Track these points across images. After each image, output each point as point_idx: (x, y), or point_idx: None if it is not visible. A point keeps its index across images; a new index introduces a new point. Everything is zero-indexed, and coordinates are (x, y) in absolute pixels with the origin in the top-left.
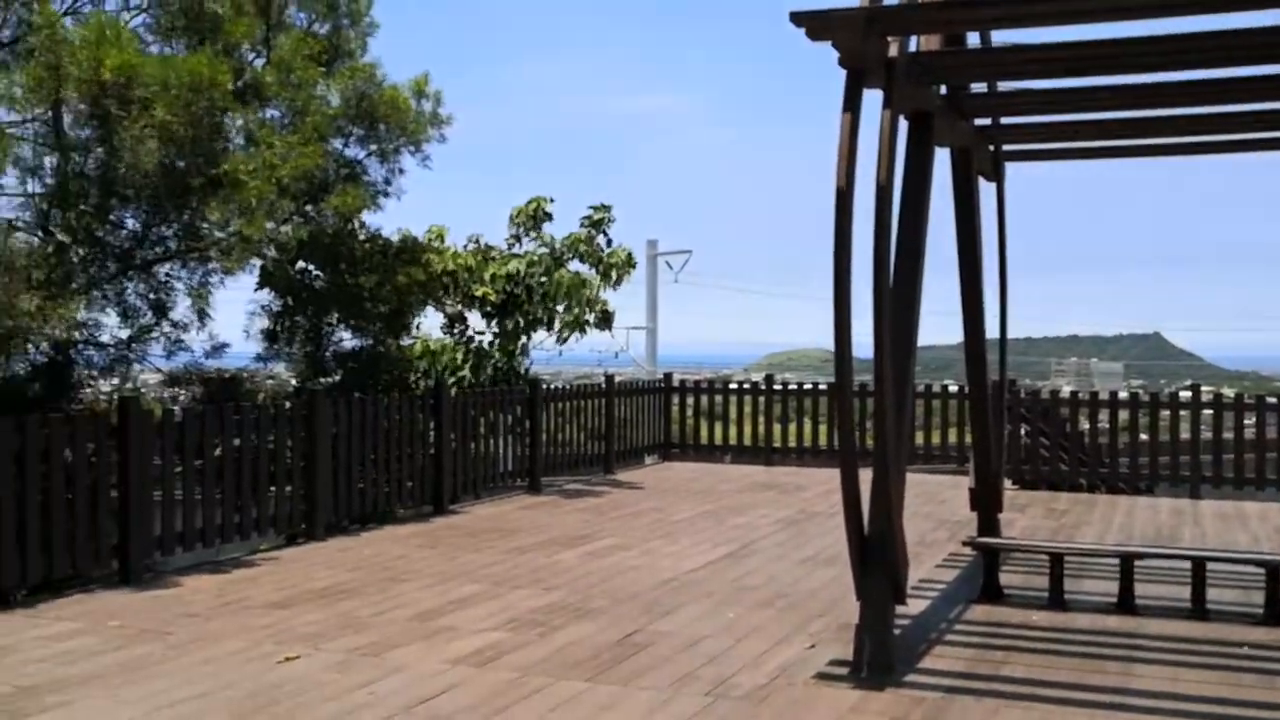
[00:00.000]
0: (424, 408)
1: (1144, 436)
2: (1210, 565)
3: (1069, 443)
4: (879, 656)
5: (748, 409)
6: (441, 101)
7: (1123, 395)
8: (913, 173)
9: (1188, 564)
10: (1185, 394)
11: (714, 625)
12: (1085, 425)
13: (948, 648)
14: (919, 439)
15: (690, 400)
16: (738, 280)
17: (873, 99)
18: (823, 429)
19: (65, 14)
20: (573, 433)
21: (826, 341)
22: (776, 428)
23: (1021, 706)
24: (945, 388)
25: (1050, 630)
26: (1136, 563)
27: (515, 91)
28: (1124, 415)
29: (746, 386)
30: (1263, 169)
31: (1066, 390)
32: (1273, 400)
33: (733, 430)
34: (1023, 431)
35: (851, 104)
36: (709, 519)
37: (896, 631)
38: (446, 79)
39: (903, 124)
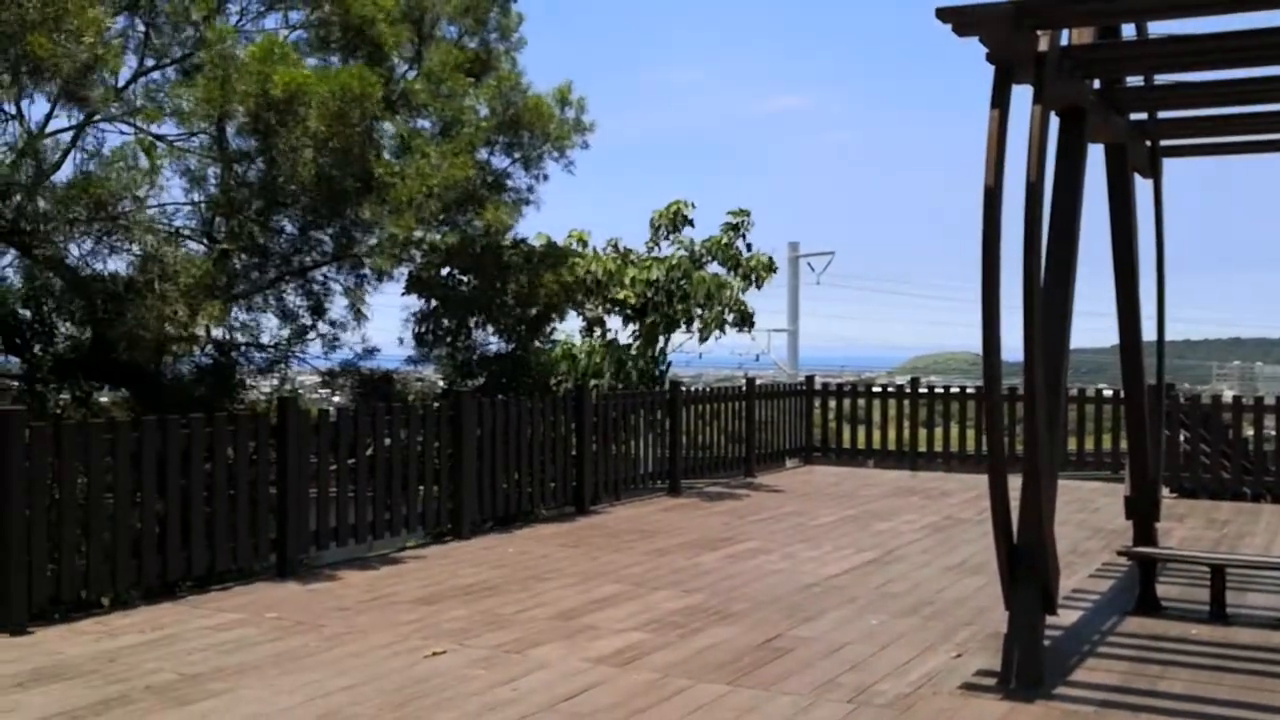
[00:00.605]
0: (565, 409)
1: None
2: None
3: (1231, 449)
4: (1028, 667)
5: (891, 413)
6: (585, 108)
7: (1266, 400)
8: (1065, 170)
9: None
10: None
11: (857, 632)
12: (1249, 431)
13: (1101, 660)
14: (1071, 444)
15: (832, 403)
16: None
17: (1022, 95)
18: (969, 434)
19: (234, 30)
20: (713, 435)
21: (974, 344)
22: (921, 432)
23: None
24: (1099, 392)
25: (1211, 645)
26: None
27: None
28: None
29: (890, 390)
30: None
31: (1229, 395)
32: None
33: (876, 434)
34: (1181, 438)
35: (1000, 100)
36: (851, 524)
37: (1047, 642)
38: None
39: (1054, 121)
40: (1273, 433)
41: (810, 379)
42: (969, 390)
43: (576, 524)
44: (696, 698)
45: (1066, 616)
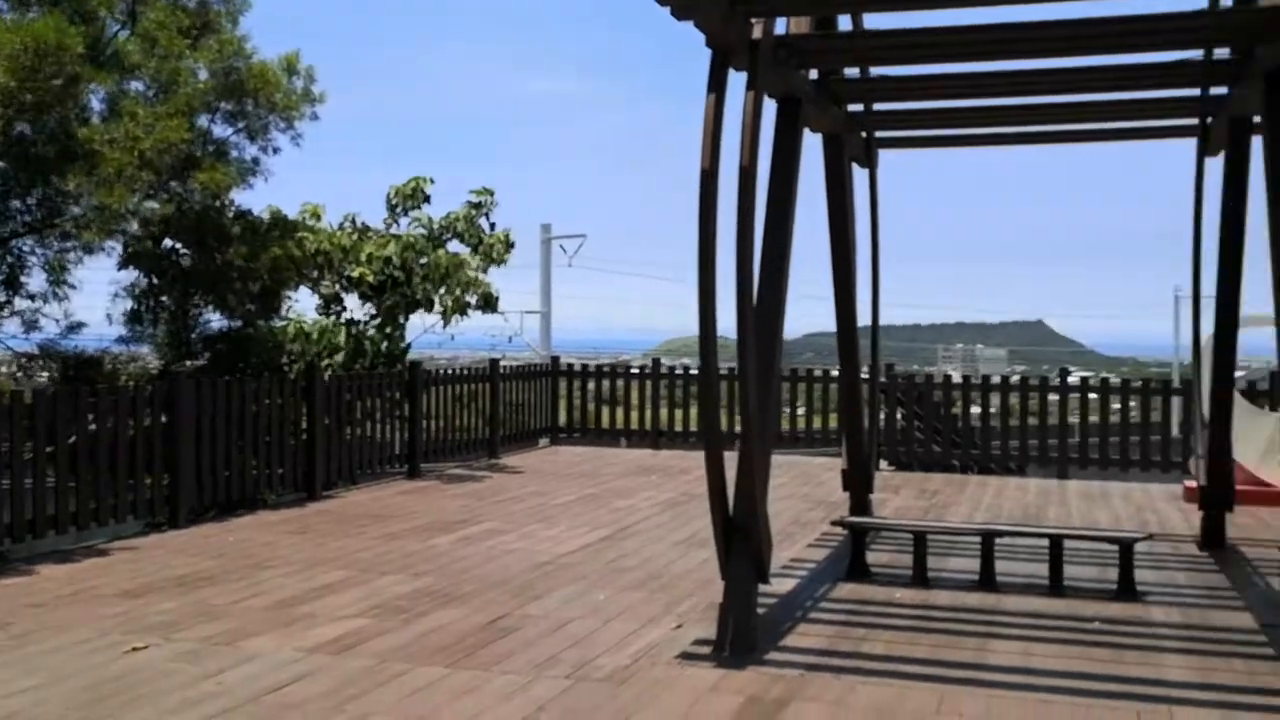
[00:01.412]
0: (296, 391)
1: (1018, 420)
2: (1067, 543)
3: (943, 425)
4: (741, 635)
5: (647, 393)
6: (314, 78)
7: (994, 380)
8: (781, 158)
9: (1046, 542)
10: (1056, 379)
11: (584, 608)
12: (968, 410)
13: (812, 625)
14: (803, 423)
15: (579, 384)
16: (639, 265)
17: (743, 81)
18: None
19: None
20: (456, 417)
21: (726, 328)
22: (666, 412)
23: (878, 682)
24: (826, 372)
25: (912, 607)
26: (997, 541)
27: (410, 73)
28: (1007, 400)
29: (634, 371)
30: (1151, 157)
31: (957, 376)
32: (1138, 384)
33: (630, 415)
34: (899, 415)
35: (716, 85)
36: (591, 502)
37: (762, 611)
38: (333, 59)
39: (774, 109)
40: (978, 410)
41: (555, 360)
42: (724, 373)
43: (306, 510)
44: (413, 682)
45: (783, 585)
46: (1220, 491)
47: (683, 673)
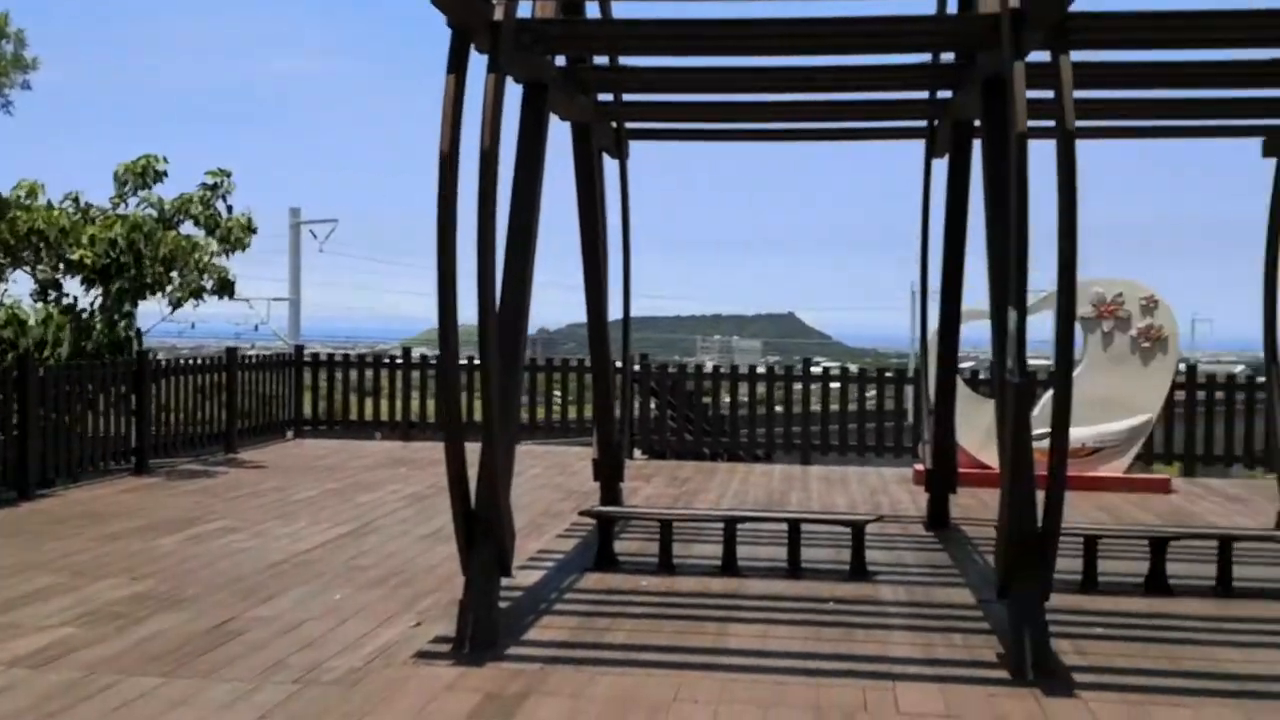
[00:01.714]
0: (7, 382)
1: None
2: (805, 526)
3: (695, 414)
4: (481, 631)
5: (392, 384)
6: (25, 42)
7: (743, 370)
8: (526, 144)
9: (785, 526)
10: (802, 369)
11: (319, 608)
12: (718, 399)
13: (556, 617)
14: (561, 413)
15: (325, 375)
16: (395, 252)
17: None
18: (475, 403)
19: None
20: (193, 410)
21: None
22: (419, 403)
23: (618, 672)
24: (582, 362)
25: (656, 595)
26: (740, 526)
27: (141, 49)
28: (755, 389)
29: (386, 361)
30: (898, 155)
31: (709, 366)
32: (875, 374)
33: (383, 406)
34: (653, 404)
35: (456, 67)
36: (334, 497)
37: (506, 604)
38: (53, 25)
39: (520, 93)
40: (728, 399)
41: (300, 349)
42: (465, 362)
43: (18, 510)
44: (122, 694)
45: (530, 577)
46: (944, 475)
47: (418, 672)
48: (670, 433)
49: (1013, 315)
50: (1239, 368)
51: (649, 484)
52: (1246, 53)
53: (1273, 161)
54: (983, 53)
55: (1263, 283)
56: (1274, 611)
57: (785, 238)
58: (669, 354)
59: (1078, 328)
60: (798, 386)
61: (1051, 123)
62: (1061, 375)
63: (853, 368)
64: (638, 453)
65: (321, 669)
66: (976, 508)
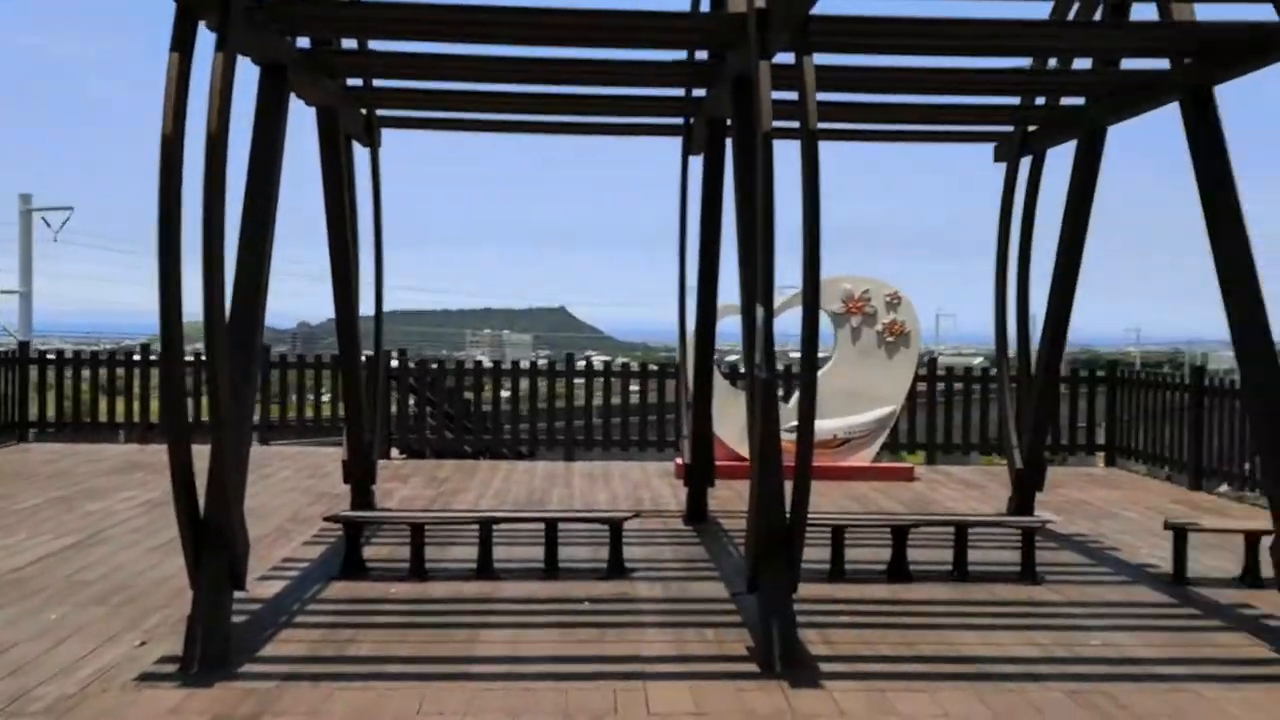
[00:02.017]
0: None
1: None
2: (563, 525)
3: (455, 411)
4: (212, 649)
5: (129, 382)
6: None
7: (506, 365)
8: (264, 128)
9: (542, 525)
10: (565, 363)
11: (31, 629)
12: (480, 395)
13: (296, 631)
14: (311, 412)
15: (57, 373)
16: (145, 243)
17: None
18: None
19: None
20: None
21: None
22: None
23: (360, 686)
24: (334, 357)
25: (406, 603)
26: (496, 527)
27: None
28: (517, 384)
29: (121, 358)
30: (653, 151)
31: (472, 362)
32: (639, 369)
33: (127, 406)
34: (411, 401)
35: (180, 44)
36: (58, 506)
37: (243, 619)
38: None
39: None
40: (491, 393)
41: (26, 345)
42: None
43: None
44: None
45: (271, 588)
46: (702, 468)
47: (140, 696)
48: (430, 431)
49: (760, 311)
50: (977, 360)
51: (406, 485)
52: (984, 61)
53: (1004, 167)
54: (732, 51)
55: (994, 280)
56: (1005, 594)
57: (560, 231)
58: (437, 348)
59: (828, 323)
60: (579, 381)
61: (798, 123)
62: (807, 370)
63: (617, 363)
64: (395, 453)
65: (28, 698)
66: (734, 500)
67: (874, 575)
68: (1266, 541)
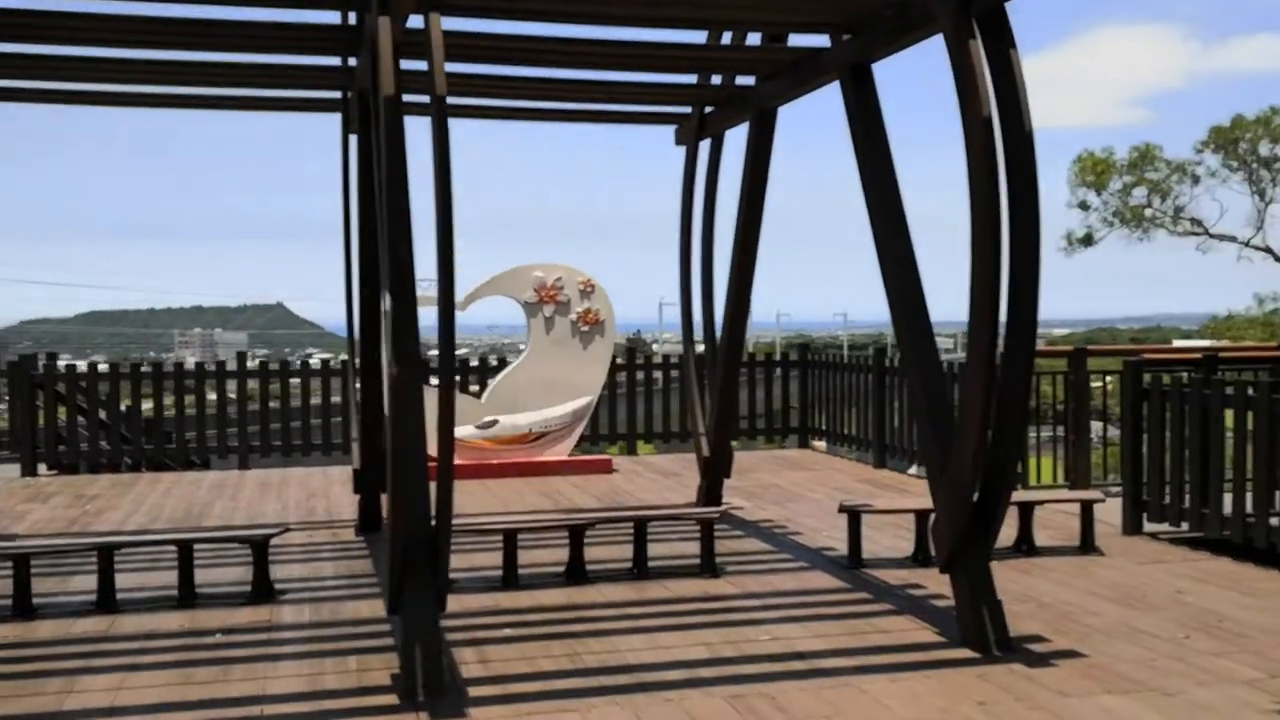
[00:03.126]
0: None
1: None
2: (201, 546)
3: (111, 420)
4: None
5: None
6: None
7: (168, 368)
8: None
9: (174, 548)
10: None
11: None
12: (139, 402)
13: None
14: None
15: None
16: None
17: None
18: None
19: None
20: None
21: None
22: None
23: None
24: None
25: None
26: (124, 552)
27: None
28: (183, 387)
29: None
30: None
31: (193, 362)
32: (319, 366)
33: None
34: (60, 411)
35: None
36: None
37: None
38: None
39: None
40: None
41: None
42: None
43: None
44: None
45: None
46: (375, 474)
47: None
48: (84, 442)
49: (387, 300)
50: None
51: (46, 506)
52: (660, 35)
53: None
54: (370, 13)
55: (679, 267)
56: (682, 590)
57: (276, 223)
58: (144, 350)
59: (522, 312)
60: (240, 383)
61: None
62: (445, 369)
63: (286, 362)
64: (43, 467)
65: None
66: None
67: (550, 579)
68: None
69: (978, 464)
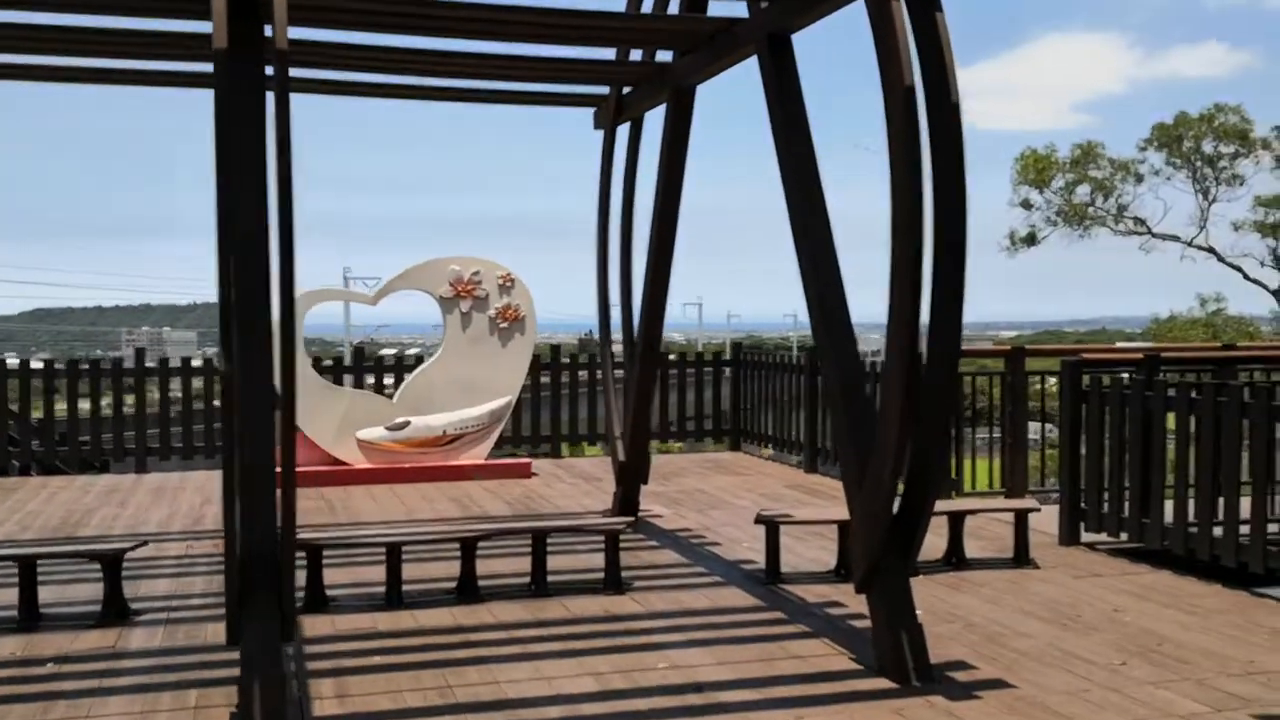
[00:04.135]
0: None
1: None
2: (56, 562)
3: None
4: None
5: None
6: None
7: (60, 365)
8: None
9: (14, 565)
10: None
11: None
12: (28, 402)
13: None
14: None
15: None
16: None
17: None
18: None
19: None
20: None
21: None
22: None
23: None
24: None
25: None
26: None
27: None
28: (75, 387)
29: None
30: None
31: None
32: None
33: None
34: None
35: None
36: None
37: None
38: None
39: None
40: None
41: None
42: None
43: None
44: None
45: None
46: None
47: None
48: None
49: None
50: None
51: None
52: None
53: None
54: None
55: (595, 260)
56: (582, 608)
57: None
58: (90, 348)
59: (438, 308)
60: (137, 382)
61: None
62: (286, 375)
63: (196, 359)
64: None
65: None
66: (322, 511)
67: (439, 597)
68: None
69: (897, 472)
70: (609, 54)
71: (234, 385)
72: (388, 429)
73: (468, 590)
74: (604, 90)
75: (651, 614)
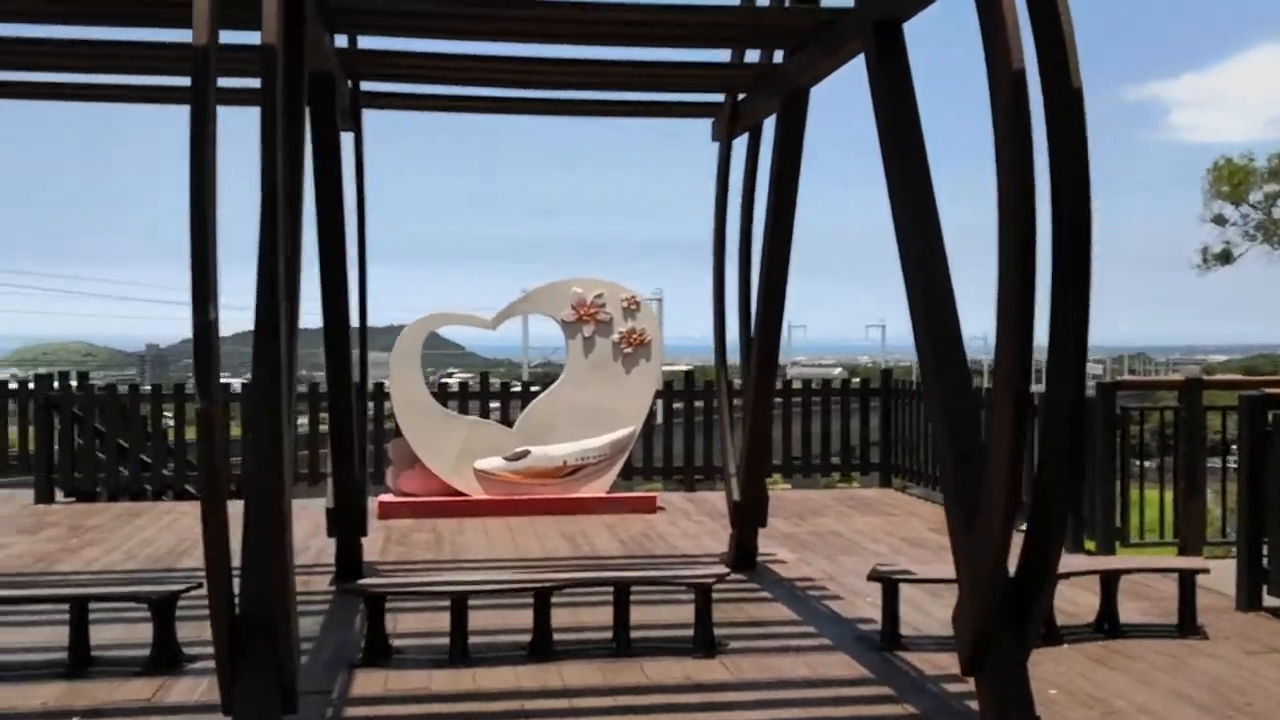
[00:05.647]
0: None
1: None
2: (98, 605)
3: (131, 443)
4: None
5: None
6: None
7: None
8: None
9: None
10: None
11: None
12: (158, 424)
13: None
14: None
15: None
16: None
17: None
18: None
19: None
20: None
21: (89, 334)
22: None
23: None
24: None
25: None
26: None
27: None
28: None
29: None
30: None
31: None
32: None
33: None
34: (76, 432)
35: None
36: None
37: None
38: None
39: None
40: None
41: None
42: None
43: None
44: None
45: None
46: (350, 512)
47: None
48: (101, 468)
49: (211, 314)
50: (837, 370)
51: (32, 537)
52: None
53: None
54: None
55: (712, 281)
56: (663, 673)
57: (401, 246)
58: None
59: (560, 332)
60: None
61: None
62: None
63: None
64: (60, 494)
65: None
66: (430, 546)
67: (508, 653)
68: None
69: (1009, 524)
70: (713, 54)
71: (214, 420)
72: (506, 459)
73: (541, 646)
74: (717, 99)
75: (740, 683)
